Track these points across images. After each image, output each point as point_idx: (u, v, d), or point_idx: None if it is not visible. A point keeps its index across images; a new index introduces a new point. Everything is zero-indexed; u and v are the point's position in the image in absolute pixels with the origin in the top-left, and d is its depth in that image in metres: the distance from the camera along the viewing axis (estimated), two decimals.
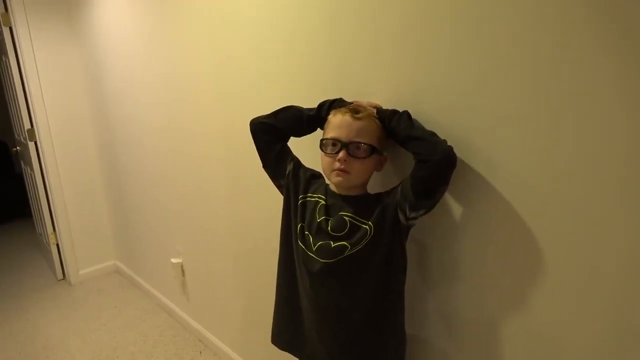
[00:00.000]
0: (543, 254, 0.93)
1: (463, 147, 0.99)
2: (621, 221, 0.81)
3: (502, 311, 1.02)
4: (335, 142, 1.04)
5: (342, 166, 1.03)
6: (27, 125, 2.93)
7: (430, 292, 1.17)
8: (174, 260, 2.46)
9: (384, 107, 1.09)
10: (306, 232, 1.11)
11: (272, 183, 1.26)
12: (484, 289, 1.05)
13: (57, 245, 3.15)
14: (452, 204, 1.07)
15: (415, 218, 1.01)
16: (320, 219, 1.09)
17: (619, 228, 0.81)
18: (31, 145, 2.95)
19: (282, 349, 1.27)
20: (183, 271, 2.45)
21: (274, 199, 1.20)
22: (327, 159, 1.07)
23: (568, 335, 0.93)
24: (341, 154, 1.02)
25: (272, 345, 1.30)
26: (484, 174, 0.99)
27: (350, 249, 1.03)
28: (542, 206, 0.91)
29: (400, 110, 1.05)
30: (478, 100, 0.95)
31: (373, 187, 1.14)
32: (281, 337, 1.27)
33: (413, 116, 1.04)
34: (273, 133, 1.19)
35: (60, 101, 2.93)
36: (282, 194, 1.22)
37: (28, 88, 2.82)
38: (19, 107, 2.91)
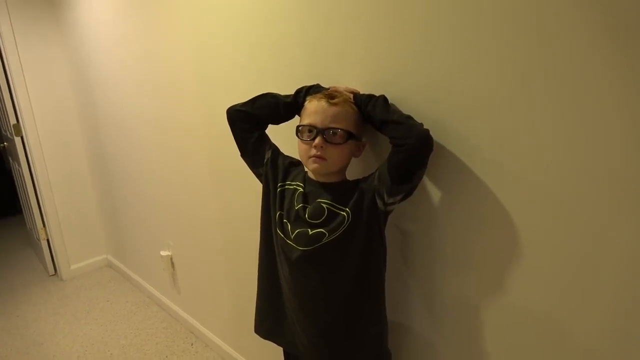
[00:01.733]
0: (521, 239, 0.92)
1: (441, 131, 0.98)
2: (603, 211, 0.80)
3: (482, 296, 1.02)
4: (311, 128, 1.03)
5: (319, 153, 1.01)
6: (12, 120, 2.89)
7: (411, 278, 1.16)
8: (163, 253, 2.45)
9: (361, 92, 1.07)
10: (285, 220, 1.10)
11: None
12: (465, 274, 1.04)
13: (48, 240, 3.14)
14: (432, 189, 1.06)
15: (393, 203, 1.00)
16: (298, 206, 1.08)
17: (599, 216, 0.80)
18: (17, 140, 2.92)
19: (264, 338, 1.27)
20: (173, 263, 2.44)
21: (259, 189, 1.20)
22: (304, 146, 1.05)
23: (548, 317, 0.92)
24: (317, 140, 1.01)
25: None
26: (463, 158, 0.98)
27: (328, 236, 1.03)
28: (521, 191, 0.90)
29: (377, 95, 1.03)
30: (455, 83, 0.94)
31: (353, 174, 1.13)
32: (263, 326, 1.26)
33: (390, 100, 1.03)
34: (250, 121, 1.17)
35: (45, 95, 2.90)
36: (261, 182, 1.21)
37: (12, 83, 2.78)
38: (4, 102, 2.88)
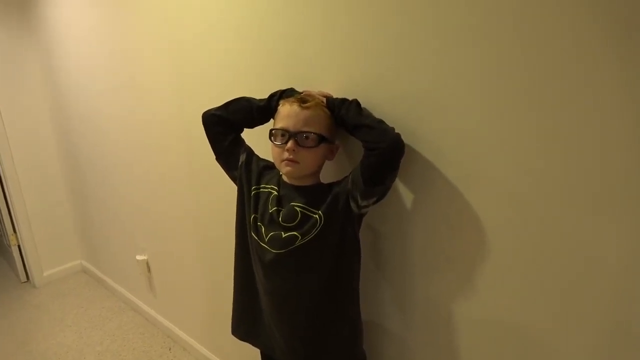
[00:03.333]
0: (489, 240, 0.95)
1: (412, 135, 1.00)
2: (572, 210, 0.83)
3: (451, 295, 1.05)
4: (283, 132, 1.04)
5: (291, 156, 1.02)
6: None
7: (383, 278, 1.18)
8: (139, 257, 2.42)
9: (334, 96, 1.08)
10: (259, 223, 1.11)
11: None
12: (434, 273, 1.07)
13: (19, 246, 3.05)
14: (404, 191, 1.08)
15: (367, 206, 1.01)
16: (272, 209, 1.09)
17: (569, 216, 0.83)
18: None
19: (241, 340, 1.27)
20: (149, 268, 2.41)
21: (233, 192, 1.20)
22: (277, 150, 1.06)
23: (514, 318, 0.95)
24: (289, 144, 1.02)
25: None
26: (433, 161, 1.00)
27: (301, 239, 1.03)
28: (489, 193, 0.92)
29: (350, 99, 1.04)
30: (428, 89, 0.96)
31: (326, 176, 1.14)
32: (240, 327, 1.27)
33: (363, 105, 1.04)
34: (224, 124, 1.18)
35: (14, 95, 2.80)
36: (236, 185, 1.21)
37: None
38: None
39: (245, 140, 1.23)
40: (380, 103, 1.04)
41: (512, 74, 0.83)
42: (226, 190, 1.60)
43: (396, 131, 0.96)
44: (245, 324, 1.25)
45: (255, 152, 1.22)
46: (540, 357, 0.94)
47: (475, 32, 0.86)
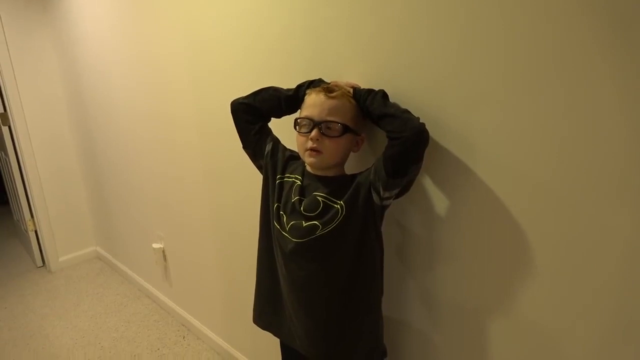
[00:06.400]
0: (524, 240, 0.92)
1: (442, 129, 0.99)
2: (613, 213, 0.80)
3: (485, 297, 1.03)
4: (308, 121, 1.03)
5: (314, 145, 1.02)
6: (0, 109, 2.84)
7: (409, 274, 1.17)
8: (155, 246, 2.43)
9: (361, 87, 1.07)
10: (281, 212, 1.11)
11: (248, 166, 1.24)
12: (463, 270, 1.05)
13: (36, 231, 3.10)
14: (432, 187, 1.06)
15: (389, 198, 1.00)
16: (294, 199, 1.08)
17: (611, 220, 0.80)
18: (5, 129, 2.87)
19: (263, 329, 1.28)
20: (165, 256, 2.43)
21: (251, 182, 1.20)
22: (301, 139, 1.06)
23: (552, 326, 0.93)
24: (313, 133, 1.01)
25: (255, 327, 1.30)
26: (463, 157, 0.98)
27: (322, 228, 1.03)
28: (524, 191, 0.90)
29: (376, 89, 1.03)
30: (458, 80, 0.94)
31: (351, 169, 1.13)
32: (262, 317, 1.27)
33: (390, 95, 1.03)
34: (252, 113, 1.18)
35: (34, 85, 2.85)
36: (262, 174, 1.21)
37: (0, 71, 2.73)
38: None
39: (272, 130, 1.23)
40: (408, 94, 1.03)
41: (564, 68, 0.80)
42: (242, 182, 1.61)
43: (421, 121, 0.94)
44: (267, 314, 1.25)
45: (282, 142, 1.22)
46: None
47: (508, 19, 0.84)
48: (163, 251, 2.41)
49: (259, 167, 1.22)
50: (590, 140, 0.79)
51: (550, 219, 0.87)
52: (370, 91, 1.03)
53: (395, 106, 1.00)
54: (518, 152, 0.89)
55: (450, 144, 0.99)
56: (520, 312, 0.97)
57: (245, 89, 1.21)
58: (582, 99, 0.78)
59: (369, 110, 1.01)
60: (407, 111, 0.97)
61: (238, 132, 1.21)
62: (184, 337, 2.32)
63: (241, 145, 1.23)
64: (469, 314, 1.07)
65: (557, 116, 0.82)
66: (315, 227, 1.04)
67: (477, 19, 0.88)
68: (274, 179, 1.16)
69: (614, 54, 0.74)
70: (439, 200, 1.05)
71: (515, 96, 0.86)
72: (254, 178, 1.22)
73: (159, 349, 2.22)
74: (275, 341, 1.31)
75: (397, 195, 1.01)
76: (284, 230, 1.09)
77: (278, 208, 1.12)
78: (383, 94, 1.02)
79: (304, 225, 1.05)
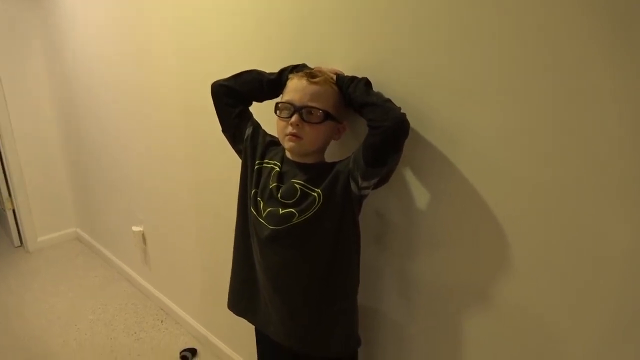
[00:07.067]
0: (507, 235, 0.92)
1: (424, 120, 0.98)
2: (594, 214, 0.80)
3: (463, 289, 1.03)
4: (289, 106, 1.01)
5: (294, 131, 1.00)
6: None
7: (388, 265, 1.16)
8: (135, 229, 2.40)
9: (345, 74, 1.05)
10: (258, 198, 1.09)
11: (231, 148, 1.22)
12: (441, 261, 1.05)
13: (14, 210, 3.03)
14: (411, 178, 1.05)
15: (367, 187, 0.99)
16: (272, 185, 1.07)
17: (582, 209, 0.81)
18: None
19: (238, 315, 1.26)
20: (144, 239, 2.40)
21: (233, 165, 1.17)
22: (281, 123, 1.04)
23: (524, 311, 0.94)
24: (294, 118, 1.00)
25: (232, 313, 1.28)
26: (445, 149, 0.97)
27: (298, 216, 1.02)
28: (507, 186, 0.90)
29: (360, 77, 1.01)
30: (444, 72, 0.93)
31: (332, 157, 1.11)
32: (237, 303, 1.26)
33: (374, 84, 1.01)
34: (233, 96, 1.15)
35: (14, 58, 2.76)
36: (241, 159, 1.19)
37: None
38: None
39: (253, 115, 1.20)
40: (391, 83, 1.01)
41: (556, 58, 0.79)
42: (225, 165, 1.59)
43: (402, 111, 0.93)
44: (242, 300, 1.24)
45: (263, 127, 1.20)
46: (550, 353, 0.93)
47: (502, 9, 0.83)
48: (143, 234, 2.39)
49: (238, 152, 1.20)
50: (577, 135, 0.79)
51: (532, 213, 0.88)
52: (353, 78, 1.01)
53: (378, 95, 0.99)
54: (502, 147, 0.88)
55: (432, 135, 0.99)
56: (499, 306, 0.97)
57: (229, 69, 1.18)
58: (576, 95, 0.78)
59: (351, 97, 0.99)
60: (389, 100, 0.95)
61: (218, 115, 1.18)
62: (162, 321, 2.30)
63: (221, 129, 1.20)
64: (446, 305, 1.07)
65: (544, 114, 0.81)
66: (291, 214, 1.02)
67: (470, 7, 0.86)
68: (253, 165, 1.14)
69: (613, 52, 0.73)
70: (419, 191, 1.05)
71: (503, 92, 0.86)
72: (236, 161, 1.20)
73: (135, 333, 2.21)
74: (253, 328, 1.30)
75: (376, 185, 1.00)
76: (261, 216, 1.07)
77: (255, 194, 1.10)
78: (366, 82, 1.00)
79: (281, 212, 1.04)
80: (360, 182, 0.97)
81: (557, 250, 0.85)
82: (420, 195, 1.05)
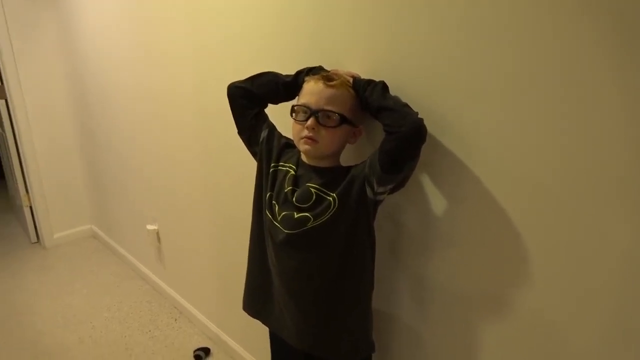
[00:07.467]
0: (525, 243, 0.90)
1: (440, 124, 0.96)
2: (614, 220, 0.78)
3: (478, 296, 1.02)
4: (305, 109, 1.00)
5: (310, 134, 0.99)
6: None
7: (402, 270, 1.15)
8: (149, 227, 2.42)
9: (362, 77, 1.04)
10: (273, 202, 1.09)
11: (245, 149, 1.22)
12: (459, 271, 1.03)
13: (31, 207, 3.08)
14: (429, 183, 1.04)
15: (383, 193, 0.98)
16: (287, 189, 1.06)
17: (611, 222, 0.78)
18: (1, 103, 2.83)
19: (252, 317, 1.27)
20: (159, 238, 2.41)
21: (247, 165, 1.18)
22: (297, 126, 1.03)
23: (539, 318, 0.92)
24: (309, 122, 0.99)
25: (246, 314, 1.28)
26: (462, 154, 0.96)
27: (313, 220, 1.01)
28: (525, 193, 0.88)
29: (377, 80, 1.00)
30: (459, 74, 0.91)
31: (347, 161, 1.10)
32: (252, 304, 1.26)
33: (391, 87, 1.00)
34: (249, 98, 1.15)
35: (32, 59, 2.79)
36: (256, 161, 1.19)
37: None
38: None
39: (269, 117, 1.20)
40: (407, 86, 1.00)
41: (567, 69, 0.78)
42: (241, 165, 1.58)
43: (419, 116, 0.91)
44: (257, 302, 1.24)
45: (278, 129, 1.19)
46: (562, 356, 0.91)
47: (513, 13, 0.81)
48: (157, 233, 2.40)
49: (254, 154, 1.20)
50: (592, 141, 0.77)
51: (550, 220, 0.85)
52: (370, 82, 1.00)
53: (395, 99, 0.97)
54: (518, 152, 0.86)
55: (448, 140, 0.97)
56: (514, 313, 0.96)
57: (244, 70, 1.18)
58: (585, 100, 0.76)
59: (368, 101, 0.98)
60: (406, 105, 0.94)
61: (234, 117, 1.18)
62: (175, 320, 2.32)
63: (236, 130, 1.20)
64: (461, 311, 1.06)
65: (559, 116, 0.80)
66: (306, 218, 1.02)
67: (481, 10, 0.85)
68: (268, 167, 1.13)
69: (618, 56, 0.71)
70: (435, 197, 1.03)
71: (518, 94, 0.84)
72: (251, 161, 1.20)
73: (150, 331, 2.23)
74: (266, 329, 1.30)
75: (392, 191, 0.99)
76: (276, 220, 1.07)
77: (270, 197, 1.10)
78: (383, 85, 0.99)
79: (296, 216, 1.03)
80: (376, 187, 0.96)
81: (576, 256, 0.83)
82: (436, 200, 1.03)
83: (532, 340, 0.94)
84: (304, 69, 1.10)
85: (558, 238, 0.85)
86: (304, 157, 1.09)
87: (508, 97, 0.85)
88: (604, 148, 0.76)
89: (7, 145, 2.94)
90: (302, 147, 1.03)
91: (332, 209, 1.00)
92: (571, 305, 0.86)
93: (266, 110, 1.20)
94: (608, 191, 0.77)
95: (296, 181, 1.07)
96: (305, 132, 1.00)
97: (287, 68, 1.13)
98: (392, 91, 1.00)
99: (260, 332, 1.34)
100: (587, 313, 0.85)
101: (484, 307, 1.01)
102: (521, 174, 0.87)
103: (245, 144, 1.21)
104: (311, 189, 1.03)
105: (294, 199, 1.05)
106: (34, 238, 3.17)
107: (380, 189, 0.96)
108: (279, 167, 1.12)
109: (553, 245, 0.86)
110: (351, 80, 1.03)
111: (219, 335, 2.08)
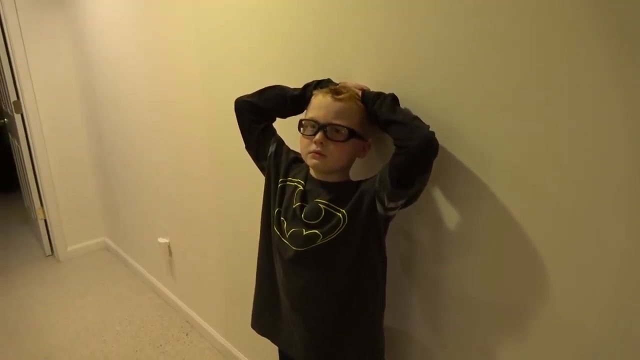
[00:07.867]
0: (541, 259, 0.86)
1: (452, 136, 0.93)
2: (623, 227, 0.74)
3: (493, 314, 0.98)
4: (313, 123, 0.98)
5: (318, 149, 0.97)
6: (13, 97, 2.84)
7: (415, 287, 1.11)
8: (161, 240, 2.41)
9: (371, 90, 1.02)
10: (282, 218, 1.06)
11: (254, 164, 1.20)
12: (473, 288, 1.00)
13: (45, 220, 3.10)
14: (441, 197, 1.00)
15: (394, 208, 0.95)
16: (295, 204, 1.04)
17: (621, 233, 0.75)
18: (17, 117, 2.87)
19: (261, 335, 1.24)
20: (170, 251, 2.40)
21: (258, 179, 1.16)
22: (305, 141, 1.01)
23: (556, 343, 0.88)
24: (318, 136, 0.96)
25: None
26: (474, 167, 0.92)
27: (322, 238, 0.98)
28: (541, 206, 0.84)
29: (386, 93, 0.97)
30: (470, 85, 0.88)
31: (356, 175, 1.07)
32: (260, 322, 1.24)
33: (400, 100, 0.97)
34: (257, 112, 1.13)
35: (46, 74, 2.84)
36: (264, 175, 1.17)
37: (14, 58, 2.72)
38: (5, 78, 2.82)
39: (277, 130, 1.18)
40: (417, 98, 0.97)
41: (581, 71, 0.74)
42: (251, 179, 1.57)
43: (431, 129, 0.88)
44: (265, 320, 1.21)
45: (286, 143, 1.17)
46: None
47: (521, 24, 0.78)
48: (169, 246, 2.39)
49: (262, 169, 1.18)
50: (607, 151, 0.73)
51: (567, 235, 0.81)
52: (379, 94, 0.97)
53: (405, 112, 0.94)
54: (532, 163, 0.83)
55: (460, 152, 0.94)
56: (530, 333, 0.91)
57: (253, 84, 1.16)
58: (595, 109, 0.72)
59: (377, 115, 0.95)
60: (417, 118, 0.91)
61: (241, 132, 1.16)
62: (187, 334, 2.30)
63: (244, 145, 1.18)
64: (475, 329, 1.02)
65: (571, 126, 0.76)
66: (315, 236, 0.99)
67: (493, 17, 0.82)
68: (276, 182, 1.11)
69: (626, 67, 0.68)
70: (448, 211, 1.00)
71: (528, 103, 0.81)
72: (261, 176, 1.18)
73: (161, 345, 2.21)
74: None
75: (404, 206, 0.96)
76: (284, 237, 1.04)
77: (279, 213, 1.07)
78: (392, 98, 0.96)
79: (304, 233, 1.00)
80: (386, 202, 0.93)
81: (592, 268, 0.79)
82: (449, 215, 1.00)
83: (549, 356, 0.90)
84: (312, 82, 1.08)
85: (579, 257, 0.81)
86: (312, 172, 1.07)
87: (518, 106, 0.82)
88: (623, 158, 0.72)
89: (23, 158, 2.98)
90: (310, 161, 1.01)
91: (342, 226, 0.97)
92: (603, 313, 0.82)
93: (274, 124, 1.18)
94: (630, 206, 0.73)
95: (305, 197, 1.05)
96: (313, 147, 0.98)
97: (296, 81, 1.11)
98: (403, 104, 0.97)
99: (269, 347, 1.31)
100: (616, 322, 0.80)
101: (500, 325, 0.97)
102: (538, 186, 0.83)
103: (253, 159, 1.19)
104: (320, 205, 1.01)
105: (302, 215, 1.02)
106: (48, 251, 3.19)
107: (391, 204, 0.93)
108: (287, 182, 1.10)
109: (573, 265, 0.82)
110: (360, 93, 1.00)
111: (231, 350, 2.05)
